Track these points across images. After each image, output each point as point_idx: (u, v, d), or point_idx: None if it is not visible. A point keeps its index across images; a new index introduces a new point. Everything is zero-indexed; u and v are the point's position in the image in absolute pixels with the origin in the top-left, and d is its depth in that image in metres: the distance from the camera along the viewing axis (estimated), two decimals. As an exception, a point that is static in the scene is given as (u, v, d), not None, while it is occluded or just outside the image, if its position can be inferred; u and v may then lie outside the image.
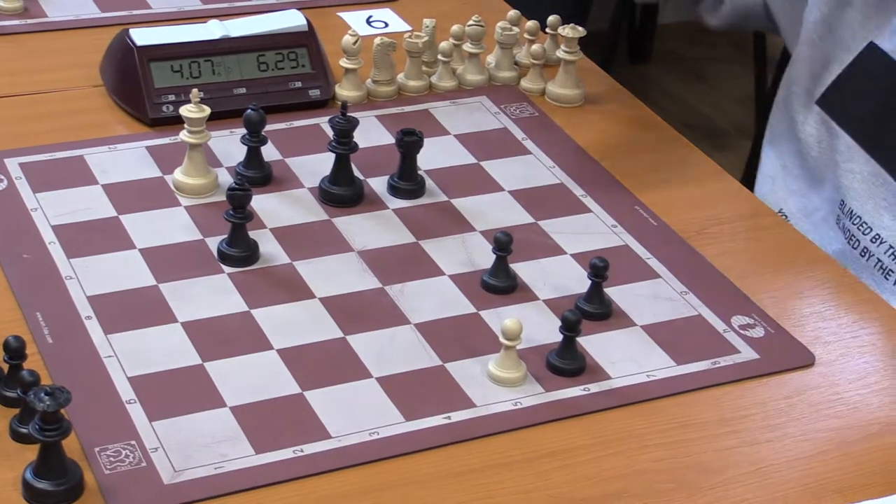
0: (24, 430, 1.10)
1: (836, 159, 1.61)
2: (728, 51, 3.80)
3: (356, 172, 1.45)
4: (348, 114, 1.42)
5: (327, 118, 1.47)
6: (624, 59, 3.74)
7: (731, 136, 3.48)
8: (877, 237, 1.54)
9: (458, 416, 1.17)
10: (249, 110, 1.43)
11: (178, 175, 1.42)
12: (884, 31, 1.56)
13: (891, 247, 1.53)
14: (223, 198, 1.36)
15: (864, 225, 1.55)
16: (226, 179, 1.43)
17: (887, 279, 1.53)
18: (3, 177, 1.42)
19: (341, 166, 1.44)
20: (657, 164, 1.55)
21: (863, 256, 1.55)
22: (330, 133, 1.44)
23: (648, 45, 3.81)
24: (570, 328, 1.22)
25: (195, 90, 1.40)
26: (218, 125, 1.50)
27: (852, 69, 1.61)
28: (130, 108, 1.54)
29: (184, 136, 1.41)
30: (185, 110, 1.40)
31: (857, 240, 1.56)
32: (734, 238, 1.44)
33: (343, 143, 1.43)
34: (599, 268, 1.28)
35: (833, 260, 1.43)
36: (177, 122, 1.49)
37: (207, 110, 1.40)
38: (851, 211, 1.57)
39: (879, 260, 1.54)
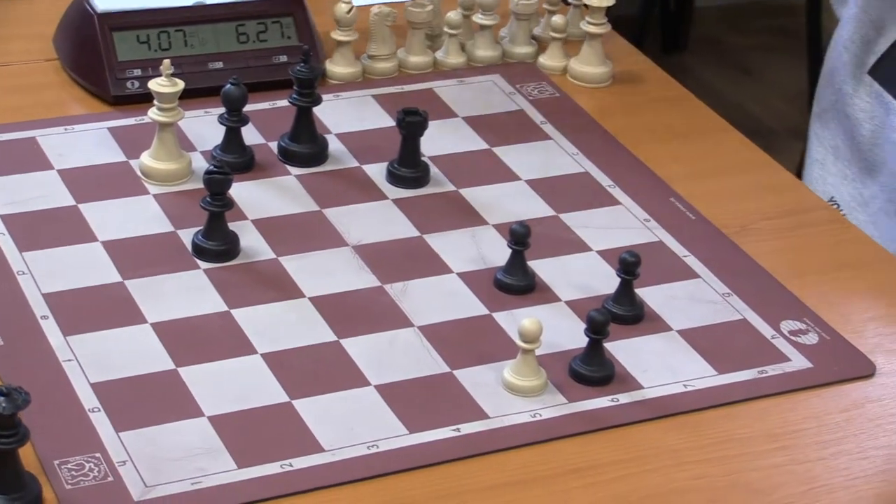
0: (-26, 439, 1.15)
1: (893, 138, 1.65)
2: (777, 39, 3.86)
3: (354, 155, 1.53)
4: (311, 63, 1.50)
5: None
6: (655, 47, 3.79)
7: (780, 137, 3.53)
8: None
9: (468, 428, 1.22)
10: (229, 85, 1.48)
11: (147, 159, 1.48)
12: None
13: None
14: (198, 185, 1.42)
15: None
16: (201, 165, 1.48)
17: None
18: (-56, 160, 1.48)
19: (303, 121, 1.51)
20: (696, 152, 1.61)
21: None
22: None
23: (684, 31, 3.86)
24: (597, 330, 1.27)
25: (166, 61, 1.45)
26: (191, 104, 1.56)
27: None
28: (90, 85, 1.59)
29: (153, 114, 1.46)
30: (156, 84, 1.45)
31: None
32: (784, 234, 1.50)
33: (305, 94, 1.50)
34: (630, 263, 1.33)
35: (896, 258, 1.49)
36: (143, 100, 1.55)
37: (181, 84, 1.45)
38: None
39: None
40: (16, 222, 1.40)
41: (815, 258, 1.48)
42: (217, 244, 1.38)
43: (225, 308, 1.33)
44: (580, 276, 1.40)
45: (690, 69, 3.77)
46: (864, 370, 1.32)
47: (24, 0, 1.75)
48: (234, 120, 1.49)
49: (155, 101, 1.46)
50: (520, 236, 1.36)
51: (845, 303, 1.41)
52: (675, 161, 1.58)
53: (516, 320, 1.30)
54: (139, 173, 1.48)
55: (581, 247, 1.44)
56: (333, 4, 1.63)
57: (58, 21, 1.65)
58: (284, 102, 1.56)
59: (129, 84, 1.58)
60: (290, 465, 1.17)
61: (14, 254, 1.36)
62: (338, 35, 1.64)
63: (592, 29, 1.68)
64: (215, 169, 1.37)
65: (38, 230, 1.40)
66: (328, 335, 1.31)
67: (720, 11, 3.96)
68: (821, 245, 1.49)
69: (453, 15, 1.69)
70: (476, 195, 1.50)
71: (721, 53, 3.85)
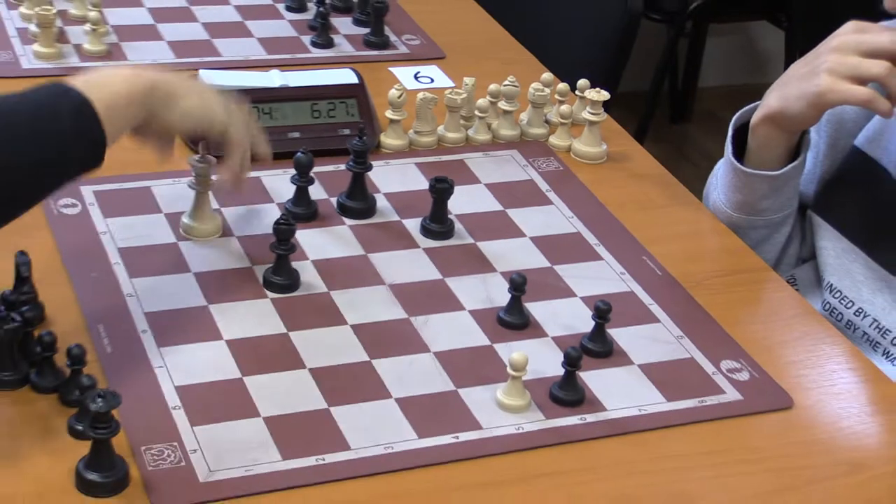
0: (79, 428, 1.18)
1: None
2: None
3: (397, 211, 1.54)
4: (365, 137, 1.52)
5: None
6: (664, 118, 3.79)
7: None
8: (860, 311, 1.56)
9: (465, 436, 1.24)
10: (299, 154, 1.50)
11: (186, 219, 1.47)
12: None
13: (874, 320, 1.55)
14: (264, 232, 1.45)
15: (845, 299, 1.57)
16: (276, 215, 1.50)
17: (875, 350, 1.55)
18: (78, 202, 1.50)
19: (357, 183, 1.53)
20: (668, 220, 1.61)
21: (848, 329, 1.57)
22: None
23: (689, 106, 3.85)
24: (572, 363, 1.28)
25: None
26: (273, 165, 1.57)
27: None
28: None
29: (191, 184, 1.46)
30: (194, 160, 1.45)
31: (840, 313, 1.58)
32: (731, 290, 1.50)
33: (359, 162, 1.52)
34: (603, 310, 1.35)
35: (818, 314, 1.49)
36: (236, 160, 1.57)
37: (214, 161, 1.45)
38: (831, 285, 1.60)
39: (865, 332, 1.56)
40: (129, 254, 1.42)
41: (754, 310, 1.48)
42: (282, 279, 1.40)
43: (284, 331, 1.35)
44: (566, 317, 1.41)
45: (693, 137, 3.76)
46: (784, 403, 1.33)
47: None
48: (303, 181, 1.51)
49: (192, 174, 1.45)
50: (518, 284, 1.38)
51: (774, 347, 1.41)
52: (651, 226, 1.58)
53: (512, 351, 1.30)
54: (181, 231, 1.47)
55: (568, 293, 1.45)
56: (389, 90, 1.66)
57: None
58: (345, 167, 1.58)
59: (225, 147, 1.60)
60: (324, 460, 1.20)
61: (125, 279, 1.38)
62: (391, 114, 1.66)
63: (591, 118, 1.69)
64: (282, 221, 1.39)
65: (146, 262, 1.42)
66: (362, 356, 1.33)
67: (720, 90, 3.94)
68: (759, 300, 1.50)
69: (483, 102, 1.71)
70: (489, 247, 1.51)
71: (719, 126, 3.81)
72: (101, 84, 1.24)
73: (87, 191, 1.53)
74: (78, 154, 1.22)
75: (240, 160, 1.39)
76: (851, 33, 1.49)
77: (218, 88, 1.50)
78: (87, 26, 1.82)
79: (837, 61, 1.47)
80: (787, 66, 2.50)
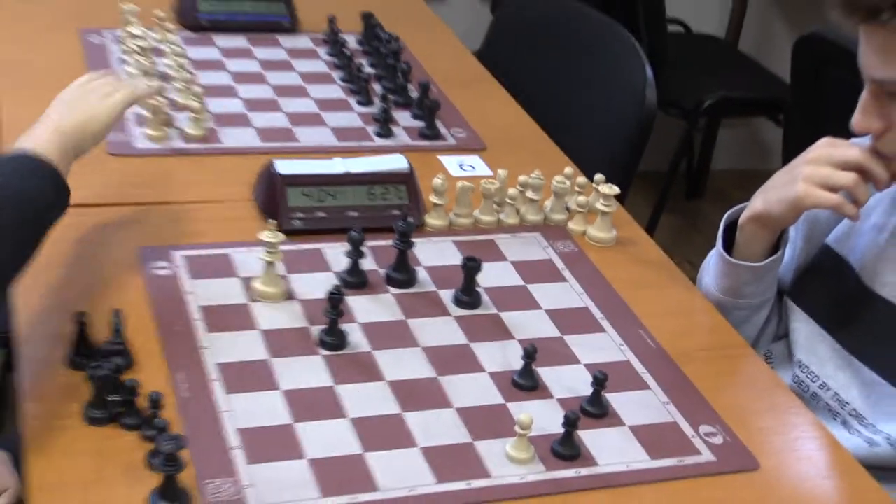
0: (153, 462, 1.20)
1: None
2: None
3: (434, 283, 1.55)
4: (409, 220, 1.54)
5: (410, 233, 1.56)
6: (681, 194, 3.77)
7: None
8: (824, 385, 1.55)
9: (476, 483, 1.24)
10: (352, 232, 1.51)
11: (257, 284, 1.48)
12: None
13: (836, 393, 1.54)
14: (315, 298, 1.47)
15: (812, 374, 1.56)
16: (331, 281, 1.52)
17: (835, 420, 1.54)
18: (169, 265, 1.53)
19: (401, 258, 1.53)
20: (664, 299, 1.60)
21: (813, 399, 1.56)
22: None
23: (702, 184, 3.83)
24: (570, 424, 1.28)
25: (272, 221, 1.49)
26: (333, 238, 1.60)
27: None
28: (270, 220, 1.63)
29: (262, 255, 1.47)
30: (265, 235, 1.46)
31: (807, 386, 1.57)
32: (714, 363, 1.49)
33: (404, 241, 1.53)
34: (600, 379, 1.35)
35: (787, 388, 1.47)
36: (302, 233, 1.59)
37: (282, 236, 1.47)
38: (800, 362, 1.58)
39: (827, 404, 1.54)
40: (207, 312, 1.44)
41: (732, 381, 1.47)
42: (332, 340, 1.41)
43: (332, 384, 1.36)
44: (570, 381, 1.41)
45: (705, 213, 3.73)
46: (751, 465, 1.32)
47: (238, 157, 1.80)
48: (355, 255, 1.53)
49: (265, 247, 1.47)
50: (530, 353, 1.38)
51: (747, 416, 1.40)
52: (649, 304, 1.58)
53: (522, 410, 1.31)
54: (254, 296, 1.48)
55: (574, 360, 1.45)
56: (433, 178, 1.67)
57: (256, 175, 1.70)
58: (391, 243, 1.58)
59: (294, 222, 1.62)
60: (356, 499, 1.20)
61: (203, 334, 1.40)
62: (434, 199, 1.67)
63: (603, 208, 1.70)
64: (334, 291, 1.40)
65: (221, 319, 1.43)
66: (395, 408, 1.33)
67: (729, 173, 3.92)
68: (737, 372, 1.49)
69: (513, 191, 1.71)
70: (510, 318, 1.51)
71: (729, 204, 3.78)
72: (56, 151, 1.37)
73: (178, 255, 1.55)
74: (56, 212, 1.36)
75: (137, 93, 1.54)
76: (825, 147, 1.49)
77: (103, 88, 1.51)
78: (190, 113, 1.84)
79: (812, 171, 1.47)
80: (783, 157, 2.47)
